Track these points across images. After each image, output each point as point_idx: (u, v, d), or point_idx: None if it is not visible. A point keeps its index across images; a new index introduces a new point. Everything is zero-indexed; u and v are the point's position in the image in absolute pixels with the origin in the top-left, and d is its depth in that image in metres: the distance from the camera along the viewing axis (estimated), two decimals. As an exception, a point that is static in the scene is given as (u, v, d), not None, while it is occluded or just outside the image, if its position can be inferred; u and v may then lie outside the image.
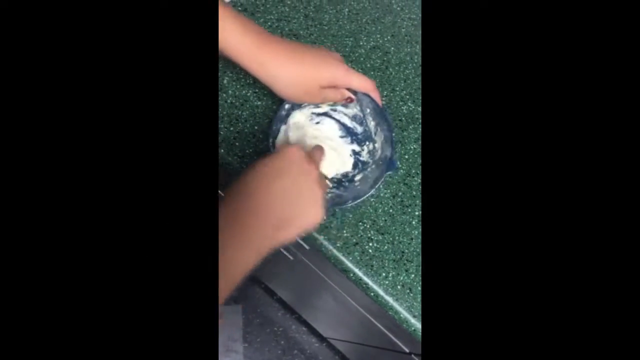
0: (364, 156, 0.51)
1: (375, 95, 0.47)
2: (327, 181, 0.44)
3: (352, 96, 0.48)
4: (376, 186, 0.47)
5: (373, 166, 0.49)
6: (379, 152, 0.50)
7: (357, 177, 0.50)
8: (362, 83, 0.46)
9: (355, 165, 0.51)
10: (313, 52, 0.44)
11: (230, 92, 0.52)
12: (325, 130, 0.52)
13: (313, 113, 0.51)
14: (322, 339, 1.34)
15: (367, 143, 0.51)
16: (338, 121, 0.52)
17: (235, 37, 0.41)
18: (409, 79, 0.58)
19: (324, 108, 0.51)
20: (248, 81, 0.53)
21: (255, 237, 0.36)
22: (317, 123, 0.52)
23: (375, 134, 0.50)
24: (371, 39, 0.59)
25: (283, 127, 0.50)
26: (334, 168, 0.50)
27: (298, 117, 0.51)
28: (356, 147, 0.52)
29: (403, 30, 0.61)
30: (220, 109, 0.51)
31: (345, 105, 0.50)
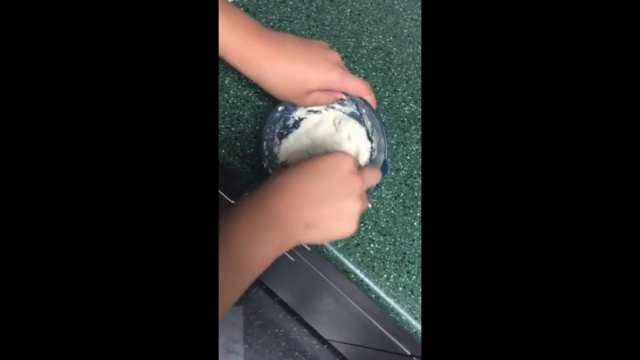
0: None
1: (370, 99, 0.46)
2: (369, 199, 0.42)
3: (344, 97, 0.47)
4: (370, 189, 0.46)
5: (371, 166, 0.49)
6: (375, 153, 0.49)
7: None
8: (357, 87, 0.44)
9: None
10: (308, 51, 0.42)
11: (231, 92, 0.52)
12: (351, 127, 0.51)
13: (310, 111, 0.51)
14: (323, 341, 1.34)
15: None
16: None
17: (222, 33, 0.39)
18: (411, 80, 0.57)
19: (320, 107, 0.51)
20: (250, 81, 0.53)
21: (284, 229, 0.35)
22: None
23: (372, 133, 0.50)
24: (373, 40, 0.59)
25: (294, 133, 0.49)
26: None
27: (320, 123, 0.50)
28: None
29: (405, 31, 0.61)
30: (221, 109, 0.51)
31: (341, 103, 0.50)
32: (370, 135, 0.50)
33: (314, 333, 1.34)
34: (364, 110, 0.49)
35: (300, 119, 0.50)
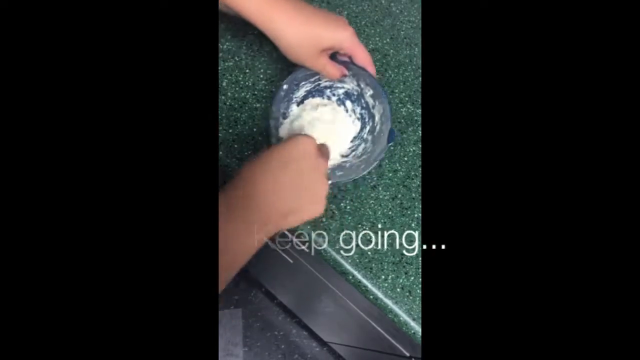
0: (365, 133, 0.52)
1: (372, 69, 0.47)
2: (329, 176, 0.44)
3: (346, 72, 0.48)
4: (379, 159, 0.46)
5: (374, 142, 0.50)
6: (378, 126, 0.49)
7: (360, 149, 0.50)
8: (365, 55, 0.46)
9: (362, 128, 0.52)
10: (321, 13, 0.44)
11: (229, 94, 0.52)
12: (325, 112, 0.52)
13: (308, 95, 0.52)
14: (322, 343, 1.34)
15: (367, 119, 0.52)
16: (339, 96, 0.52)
17: None
18: (408, 81, 0.58)
19: (323, 85, 0.52)
20: (247, 84, 0.53)
21: (266, 220, 0.37)
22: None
23: (373, 107, 0.50)
24: (370, 42, 0.59)
25: (289, 118, 0.50)
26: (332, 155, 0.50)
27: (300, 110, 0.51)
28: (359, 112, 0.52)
29: (402, 32, 0.61)
30: (219, 112, 0.51)
31: (342, 80, 0.50)
32: (371, 109, 0.51)
33: (314, 335, 1.34)
34: (364, 84, 0.49)
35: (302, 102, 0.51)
